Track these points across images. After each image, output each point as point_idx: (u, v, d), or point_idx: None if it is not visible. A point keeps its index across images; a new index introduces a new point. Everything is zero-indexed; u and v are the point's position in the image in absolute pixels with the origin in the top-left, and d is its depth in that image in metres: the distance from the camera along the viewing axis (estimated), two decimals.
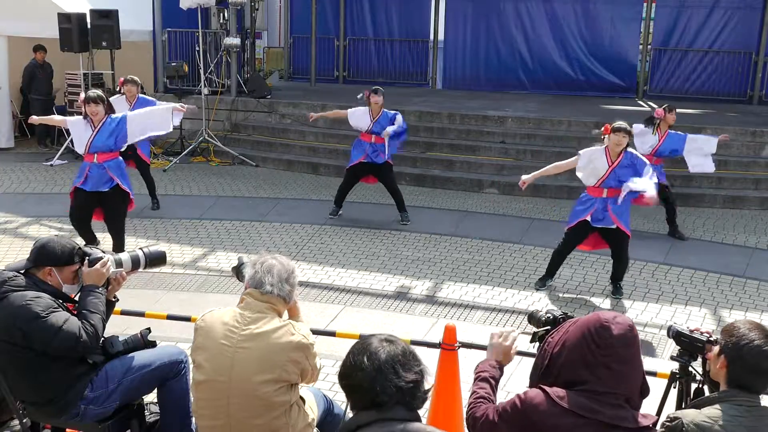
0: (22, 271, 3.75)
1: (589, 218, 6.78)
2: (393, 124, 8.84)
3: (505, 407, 2.46)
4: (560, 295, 7.17)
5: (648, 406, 2.86)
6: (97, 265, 3.77)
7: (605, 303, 6.98)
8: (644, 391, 2.42)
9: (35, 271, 3.73)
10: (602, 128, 6.93)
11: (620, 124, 6.70)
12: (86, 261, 3.79)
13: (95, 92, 7.24)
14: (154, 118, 7.52)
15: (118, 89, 10.04)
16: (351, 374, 2.38)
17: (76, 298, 3.87)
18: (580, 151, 6.97)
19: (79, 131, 7.24)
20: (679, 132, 8.72)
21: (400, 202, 9.22)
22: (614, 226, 6.75)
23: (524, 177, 7.18)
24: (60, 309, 3.63)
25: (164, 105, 8.04)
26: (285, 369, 3.19)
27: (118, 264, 3.92)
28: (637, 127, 8.35)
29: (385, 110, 8.94)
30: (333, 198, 9.37)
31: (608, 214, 6.72)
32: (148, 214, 9.44)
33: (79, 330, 3.57)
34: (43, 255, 3.73)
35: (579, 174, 6.96)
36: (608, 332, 2.35)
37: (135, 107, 8.97)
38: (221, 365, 3.20)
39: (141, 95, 9.47)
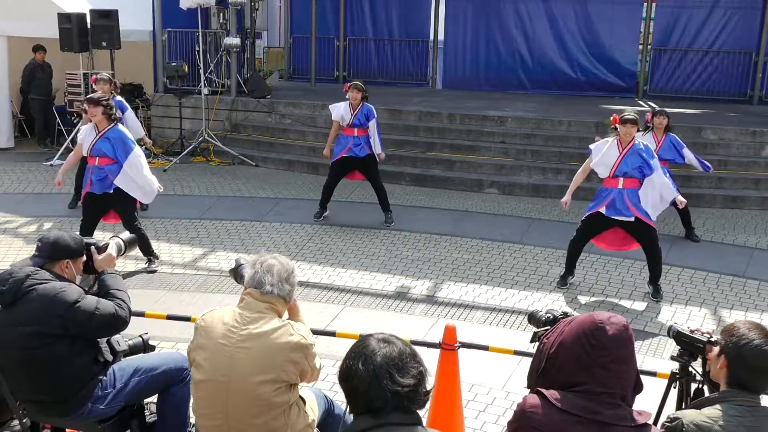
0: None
1: (603, 210, 6.80)
2: (368, 119, 8.91)
3: (510, 420, 2.48)
4: (560, 295, 7.17)
5: (648, 406, 2.86)
6: (108, 250, 4.02)
7: (605, 303, 6.98)
8: (637, 387, 2.43)
9: (51, 266, 3.80)
10: (611, 118, 6.98)
11: (628, 115, 6.75)
12: (94, 249, 3.99)
13: (94, 95, 7.32)
14: (142, 183, 7.22)
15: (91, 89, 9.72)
16: (347, 378, 2.36)
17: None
18: (591, 146, 7.06)
19: (86, 135, 7.31)
20: (678, 139, 8.70)
21: (384, 200, 9.17)
22: (633, 218, 6.74)
23: (564, 199, 7.20)
24: (88, 294, 3.78)
25: (152, 180, 7.33)
26: (284, 369, 3.19)
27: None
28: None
29: (365, 103, 8.99)
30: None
31: (626, 204, 6.74)
32: (148, 214, 9.42)
33: (113, 307, 3.74)
34: (59, 249, 3.83)
35: (596, 168, 7.00)
36: (603, 333, 2.35)
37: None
38: (220, 365, 3.21)
39: (116, 98, 8.93)
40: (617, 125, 6.79)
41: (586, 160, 7.17)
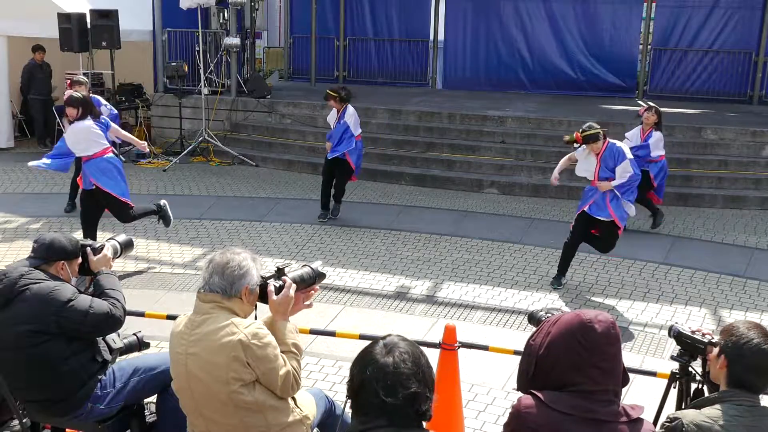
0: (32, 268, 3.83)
1: (587, 208, 7.12)
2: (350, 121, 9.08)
3: (506, 422, 2.47)
4: (560, 295, 7.17)
5: (648, 406, 2.86)
6: (104, 251, 4.03)
7: (605, 303, 6.98)
8: (624, 380, 2.44)
9: (47, 267, 3.82)
10: (574, 135, 7.18)
11: (588, 131, 6.96)
12: (90, 250, 4.01)
13: (74, 95, 7.45)
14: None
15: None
16: (349, 379, 2.38)
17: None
18: (627, 134, 7.75)
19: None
20: (656, 134, 8.76)
21: (338, 195, 9.30)
22: (611, 219, 7.09)
23: (553, 177, 7.78)
24: (82, 293, 3.79)
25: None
26: (231, 369, 3.06)
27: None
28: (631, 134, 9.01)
29: (346, 106, 9.15)
30: (333, 199, 9.34)
31: (606, 206, 7.07)
32: None
33: (107, 306, 3.75)
34: (55, 250, 3.84)
35: (581, 174, 7.39)
36: (593, 332, 2.36)
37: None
38: (179, 373, 3.20)
39: (94, 96, 9.06)
40: (580, 144, 7.14)
41: (571, 153, 7.55)
